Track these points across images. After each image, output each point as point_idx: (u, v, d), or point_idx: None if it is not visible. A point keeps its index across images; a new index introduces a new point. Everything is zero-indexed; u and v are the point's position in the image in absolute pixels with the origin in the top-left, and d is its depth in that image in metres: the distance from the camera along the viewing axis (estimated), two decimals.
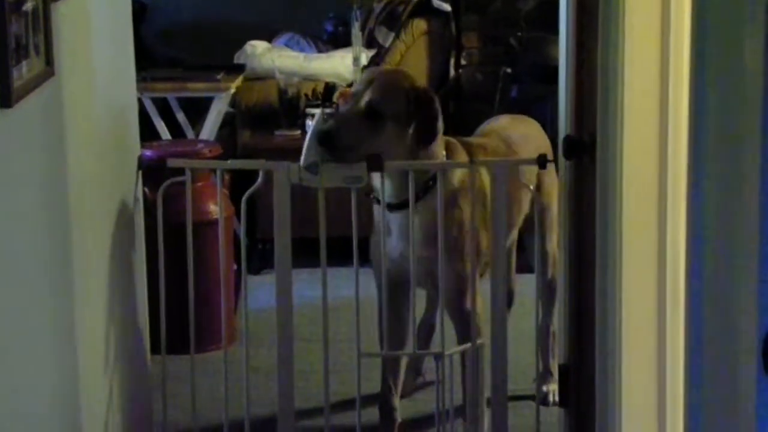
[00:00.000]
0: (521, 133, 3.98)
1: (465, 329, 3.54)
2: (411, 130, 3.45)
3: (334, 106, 5.70)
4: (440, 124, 3.51)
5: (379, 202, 3.57)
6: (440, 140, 3.55)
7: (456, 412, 3.57)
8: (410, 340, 3.66)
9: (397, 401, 3.77)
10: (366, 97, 3.44)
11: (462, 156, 3.58)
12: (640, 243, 2.79)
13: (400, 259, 3.53)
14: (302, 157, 3.38)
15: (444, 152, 3.56)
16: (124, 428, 3.27)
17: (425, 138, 3.46)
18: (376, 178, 3.50)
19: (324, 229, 3.49)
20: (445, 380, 3.44)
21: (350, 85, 5.84)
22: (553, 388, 4.00)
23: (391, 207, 3.52)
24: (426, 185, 3.49)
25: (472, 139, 3.83)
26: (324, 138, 3.36)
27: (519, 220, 3.87)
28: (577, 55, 3.15)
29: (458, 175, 3.53)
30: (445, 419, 3.47)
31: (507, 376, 3.45)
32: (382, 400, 3.77)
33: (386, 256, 3.52)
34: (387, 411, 3.76)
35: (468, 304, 3.53)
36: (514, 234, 3.90)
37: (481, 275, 3.59)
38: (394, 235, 3.55)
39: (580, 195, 3.20)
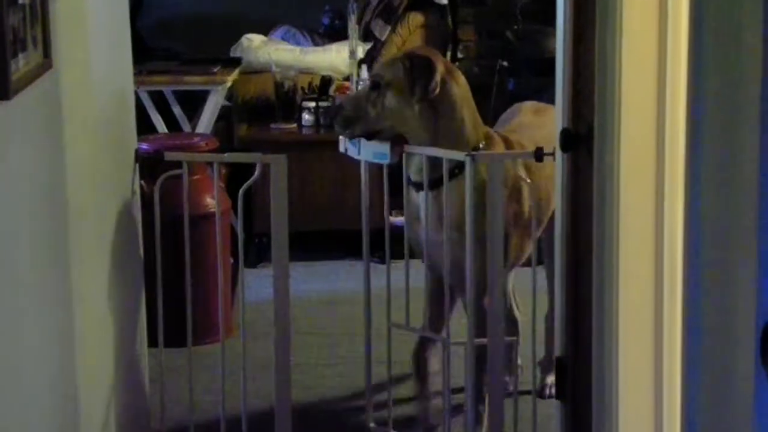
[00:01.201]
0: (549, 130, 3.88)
1: (481, 322, 3.47)
2: (414, 98, 3.51)
3: (331, 99, 5.71)
4: (438, 78, 3.51)
5: (412, 183, 3.60)
6: (472, 123, 3.57)
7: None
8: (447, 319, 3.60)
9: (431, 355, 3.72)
10: (372, 73, 3.72)
11: (500, 150, 3.59)
12: (637, 235, 2.79)
13: (434, 243, 3.52)
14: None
15: (483, 142, 3.57)
16: (121, 420, 3.28)
17: (420, 90, 3.49)
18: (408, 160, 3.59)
19: (366, 202, 3.75)
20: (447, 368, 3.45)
21: (347, 78, 5.84)
22: (551, 381, 3.99)
23: (417, 186, 3.54)
24: (451, 172, 3.48)
25: (512, 136, 3.77)
26: (333, 111, 3.64)
27: (547, 218, 3.73)
28: (573, 47, 3.15)
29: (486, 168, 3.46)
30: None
31: (504, 371, 3.45)
32: (416, 350, 3.74)
33: (420, 236, 3.59)
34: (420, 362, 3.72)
35: (487, 302, 3.48)
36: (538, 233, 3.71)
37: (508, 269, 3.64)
38: (422, 216, 3.56)
39: (577, 187, 3.20)
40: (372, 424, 3.79)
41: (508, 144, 3.66)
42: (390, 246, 3.73)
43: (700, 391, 2.04)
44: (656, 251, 2.78)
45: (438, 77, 3.52)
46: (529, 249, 3.61)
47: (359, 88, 3.79)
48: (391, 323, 3.69)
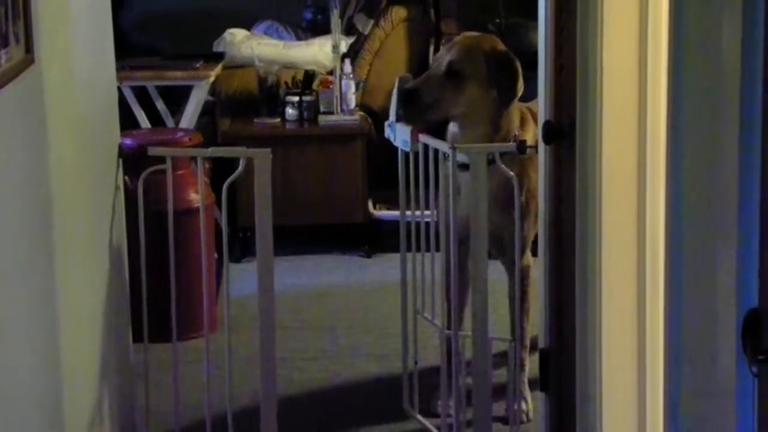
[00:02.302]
0: None
1: (522, 284, 3.67)
2: (492, 91, 3.64)
3: (314, 93, 5.71)
4: (520, 85, 3.68)
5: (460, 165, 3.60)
6: (516, 105, 3.71)
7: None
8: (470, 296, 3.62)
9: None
10: (447, 59, 3.66)
11: (532, 126, 3.72)
12: (619, 227, 2.81)
13: (468, 219, 3.51)
14: (390, 115, 3.69)
15: (518, 119, 3.73)
16: (107, 415, 3.28)
17: (506, 97, 3.64)
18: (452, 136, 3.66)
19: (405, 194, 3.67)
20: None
21: (330, 72, 5.85)
22: (526, 408, 3.92)
23: (463, 167, 3.55)
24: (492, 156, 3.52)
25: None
26: (408, 96, 3.59)
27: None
28: (555, 40, 3.16)
29: (529, 142, 3.56)
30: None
31: (490, 365, 3.46)
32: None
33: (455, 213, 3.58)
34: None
35: (526, 262, 3.74)
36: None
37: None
38: (463, 194, 3.60)
39: (560, 180, 3.21)
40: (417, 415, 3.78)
41: (533, 115, 3.77)
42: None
43: (682, 381, 2.06)
44: (638, 242, 2.80)
45: (521, 80, 3.66)
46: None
47: (430, 70, 3.73)
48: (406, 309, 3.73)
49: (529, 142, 3.59)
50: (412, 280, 3.71)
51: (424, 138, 3.58)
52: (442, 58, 3.70)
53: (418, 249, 3.67)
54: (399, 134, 3.66)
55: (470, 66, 3.64)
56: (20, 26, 2.38)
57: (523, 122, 3.78)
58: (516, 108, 3.75)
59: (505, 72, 3.66)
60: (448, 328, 3.62)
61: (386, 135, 3.75)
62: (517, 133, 3.70)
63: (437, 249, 3.61)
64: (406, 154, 3.68)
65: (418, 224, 3.67)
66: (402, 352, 3.78)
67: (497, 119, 3.69)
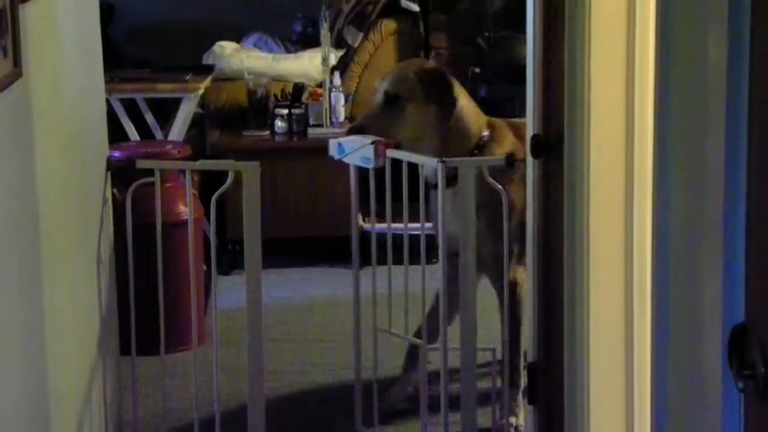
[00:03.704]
0: None
1: (512, 299, 3.70)
2: (432, 107, 3.75)
3: (303, 106, 5.71)
4: (456, 92, 3.77)
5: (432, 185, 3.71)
6: (474, 116, 3.81)
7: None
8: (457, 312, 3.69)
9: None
10: (382, 89, 3.79)
11: (508, 135, 3.79)
12: (607, 240, 2.81)
13: (451, 235, 3.59)
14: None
15: (486, 131, 3.81)
16: (94, 430, 3.27)
17: (446, 110, 3.74)
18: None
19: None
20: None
21: (319, 85, 5.85)
22: (514, 421, 3.94)
23: (434, 186, 3.67)
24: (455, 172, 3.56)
25: (520, 120, 3.87)
26: (357, 134, 3.70)
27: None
28: (544, 54, 3.16)
29: (499, 154, 3.65)
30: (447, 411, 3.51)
31: (475, 373, 3.47)
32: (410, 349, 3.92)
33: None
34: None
35: (513, 276, 3.73)
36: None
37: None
38: (446, 211, 3.63)
39: (547, 194, 3.21)
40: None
41: (514, 128, 3.85)
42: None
43: (669, 394, 2.06)
44: (626, 256, 2.80)
45: (456, 87, 3.76)
46: None
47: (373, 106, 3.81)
48: (378, 329, 3.77)
49: (497, 155, 3.65)
50: (386, 295, 3.70)
51: (395, 153, 3.60)
52: (377, 90, 3.83)
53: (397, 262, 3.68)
54: (359, 152, 3.65)
55: (405, 89, 3.76)
56: (8, 40, 2.38)
57: (496, 134, 3.81)
58: (479, 121, 3.81)
59: (438, 86, 3.77)
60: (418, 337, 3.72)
61: (330, 153, 3.73)
62: (484, 134, 3.77)
63: (417, 262, 3.67)
64: (367, 171, 3.69)
65: (395, 237, 3.67)
66: (355, 370, 3.77)
67: (445, 134, 3.76)
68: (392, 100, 3.76)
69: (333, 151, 3.72)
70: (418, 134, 3.75)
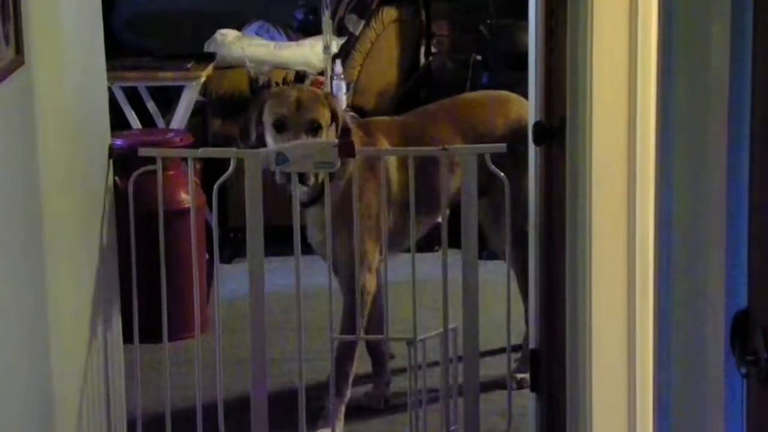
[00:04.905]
0: (465, 114, 4.18)
1: (352, 305, 3.82)
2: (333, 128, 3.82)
3: None
4: (338, 106, 3.91)
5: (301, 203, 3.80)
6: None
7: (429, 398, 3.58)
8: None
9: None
10: (306, 118, 3.75)
11: (355, 138, 3.82)
12: (609, 228, 2.81)
13: (319, 247, 3.92)
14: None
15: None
16: (97, 417, 3.27)
17: (339, 122, 3.83)
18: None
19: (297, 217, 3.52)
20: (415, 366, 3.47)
21: (321, 73, 5.85)
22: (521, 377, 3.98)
23: (305, 204, 3.84)
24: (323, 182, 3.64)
25: (379, 119, 4.14)
26: (279, 160, 3.57)
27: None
28: (546, 41, 3.16)
29: (351, 163, 3.70)
30: (417, 405, 3.49)
31: (478, 363, 3.47)
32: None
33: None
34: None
35: (362, 280, 3.85)
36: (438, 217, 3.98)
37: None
38: (310, 226, 3.90)
39: (550, 181, 3.22)
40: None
41: (367, 128, 4.02)
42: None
43: (671, 381, 2.06)
44: (628, 243, 2.80)
45: (333, 103, 3.87)
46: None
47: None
48: (334, 337, 3.76)
49: (350, 163, 3.69)
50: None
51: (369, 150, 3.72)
52: (292, 119, 3.76)
53: None
54: (311, 158, 3.46)
55: (320, 113, 3.78)
56: (10, 27, 2.38)
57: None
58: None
59: (312, 102, 3.81)
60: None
61: (272, 169, 3.47)
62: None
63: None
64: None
65: None
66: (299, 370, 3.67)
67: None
68: (283, 127, 3.74)
69: (271, 161, 3.41)
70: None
